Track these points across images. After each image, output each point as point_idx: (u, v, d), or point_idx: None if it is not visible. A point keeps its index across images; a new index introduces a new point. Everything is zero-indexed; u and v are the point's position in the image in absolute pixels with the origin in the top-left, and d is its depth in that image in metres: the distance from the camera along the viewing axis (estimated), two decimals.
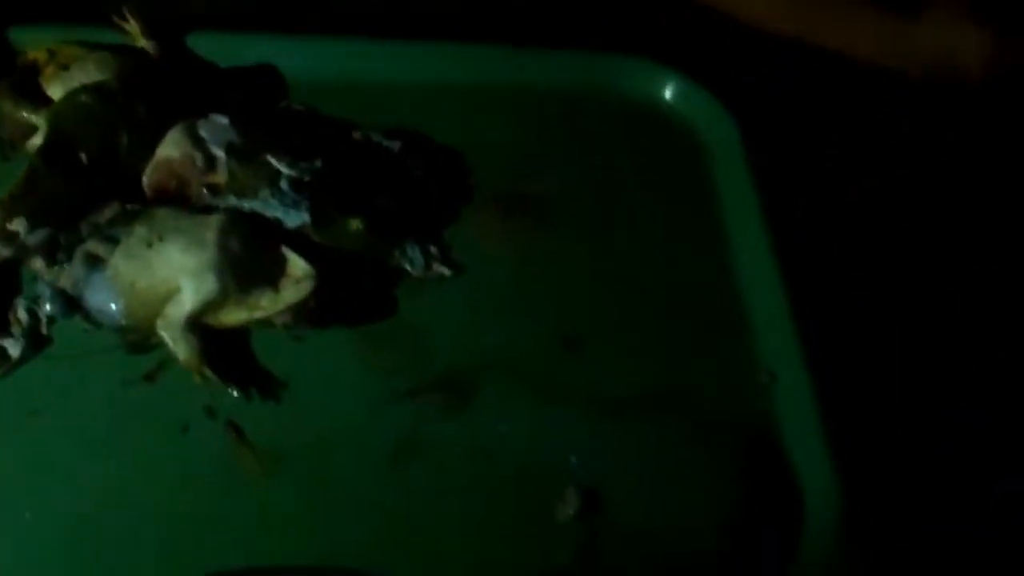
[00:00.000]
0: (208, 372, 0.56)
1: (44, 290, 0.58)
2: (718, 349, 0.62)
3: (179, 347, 0.56)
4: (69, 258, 0.58)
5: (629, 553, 0.54)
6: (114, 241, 0.57)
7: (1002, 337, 0.63)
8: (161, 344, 0.57)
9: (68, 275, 0.57)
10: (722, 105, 0.70)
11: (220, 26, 0.70)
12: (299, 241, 0.59)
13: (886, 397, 0.60)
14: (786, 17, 0.73)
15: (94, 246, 0.58)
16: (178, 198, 0.60)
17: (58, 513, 0.52)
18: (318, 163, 0.62)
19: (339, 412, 0.57)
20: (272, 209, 0.60)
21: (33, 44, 0.65)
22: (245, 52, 0.69)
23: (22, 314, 0.58)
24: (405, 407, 0.57)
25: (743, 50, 0.73)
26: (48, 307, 0.57)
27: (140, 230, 0.57)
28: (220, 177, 0.60)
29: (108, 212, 0.59)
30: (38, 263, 0.58)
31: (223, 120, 0.62)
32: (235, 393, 0.56)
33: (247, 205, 0.60)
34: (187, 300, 0.56)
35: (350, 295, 0.60)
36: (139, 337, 0.57)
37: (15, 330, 0.57)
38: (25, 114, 0.62)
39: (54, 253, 0.58)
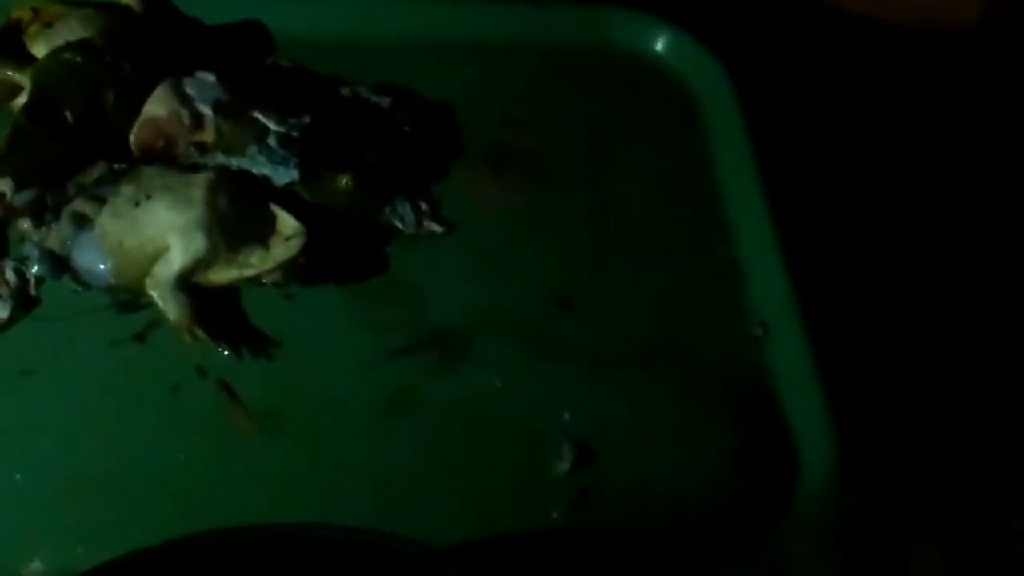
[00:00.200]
0: (198, 331, 0.56)
1: (32, 251, 0.57)
2: (711, 302, 0.61)
3: (169, 306, 0.56)
4: (56, 218, 0.57)
5: (624, 507, 0.54)
6: (101, 200, 0.57)
7: (1002, 307, 0.63)
8: (151, 304, 0.56)
9: (56, 235, 0.57)
10: (714, 55, 0.70)
11: None
12: (288, 198, 0.59)
13: (885, 367, 0.60)
14: None
15: (81, 206, 0.57)
16: (165, 156, 0.60)
17: (49, 475, 0.52)
18: (306, 119, 0.61)
19: (331, 370, 0.57)
20: (260, 166, 0.59)
21: (16, 2, 0.64)
22: (232, 8, 0.68)
23: (10, 275, 0.57)
24: (398, 364, 0.57)
25: (740, 10, 0.72)
26: (36, 268, 0.57)
27: (127, 189, 0.57)
28: (207, 135, 0.60)
29: (95, 171, 0.58)
30: (25, 224, 0.57)
31: (210, 77, 0.62)
32: (226, 352, 0.56)
33: (235, 163, 0.59)
34: (176, 259, 0.55)
35: (340, 252, 0.59)
36: (128, 297, 0.57)
37: (3, 291, 0.57)
38: (9, 73, 0.61)
39: (41, 213, 0.57)
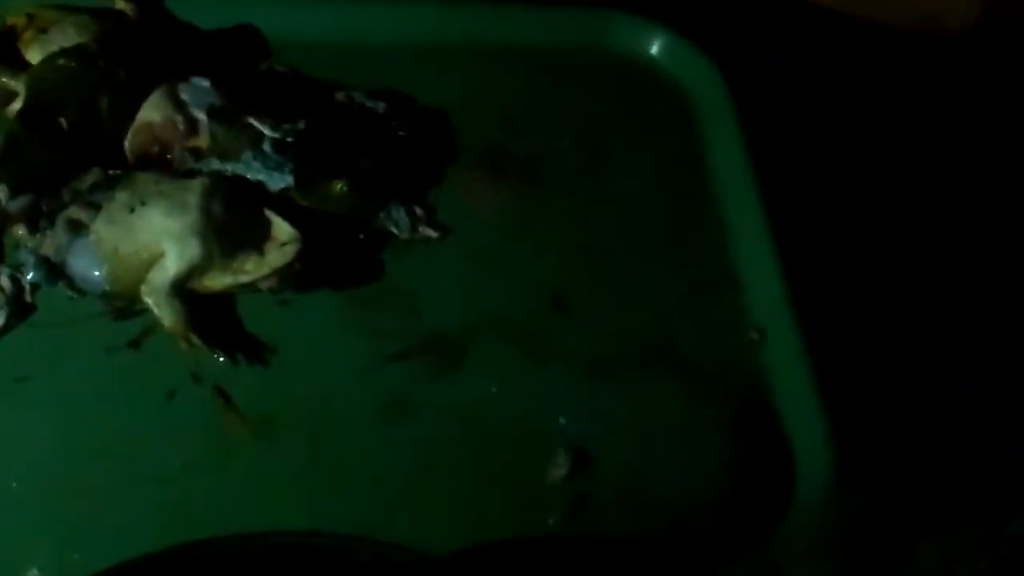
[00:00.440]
0: (193, 338, 0.56)
1: (27, 257, 0.57)
2: (707, 306, 0.61)
3: (164, 313, 0.55)
4: (51, 225, 0.57)
5: (621, 513, 0.54)
6: (96, 207, 0.57)
7: (1001, 307, 0.63)
8: (146, 310, 0.56)
9: (51, 242, 0.57)
10: (710, 59, 0.69)
11: None
12: (283, 204, 0.58)
13: (884, 368, 0.60)
14: None
15: (76, 212, 0.57)
16: (160, 162, 0.60)
17: (45, 481, 0.52)
18: (301, 125, 0.61)
19: (327, 376, 0.56)
20: (255, 172, 0.59)
21: (11, 9, 0.64)
22: (226, 13, 0.68)
23: (5, 282, 0.57)
24: (394, 370, 0.57)
25: (736, 13, 0.72)
26: (31, 274, 0.57)
27: (122, 195, 0.57)
28: (202, 140, 0.60)
29: (90, 177, 0.59)
30: (20, 230, 0.57)
31: (204, 83, 0.61)
32: (221, 358, 0.56)
33: (230, 168, 0.59)
34: (171, 265, 0.55)
35: (336, 258, 0.59)
36: (124, 303, 0.57)
37: None
38: (4, 79, 0.61)
39: (36, 220, 0.57)
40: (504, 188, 0.65)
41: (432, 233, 0.62)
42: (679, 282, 0.62)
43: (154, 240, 0.56)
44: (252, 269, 0.56)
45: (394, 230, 0.61)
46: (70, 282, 0.57)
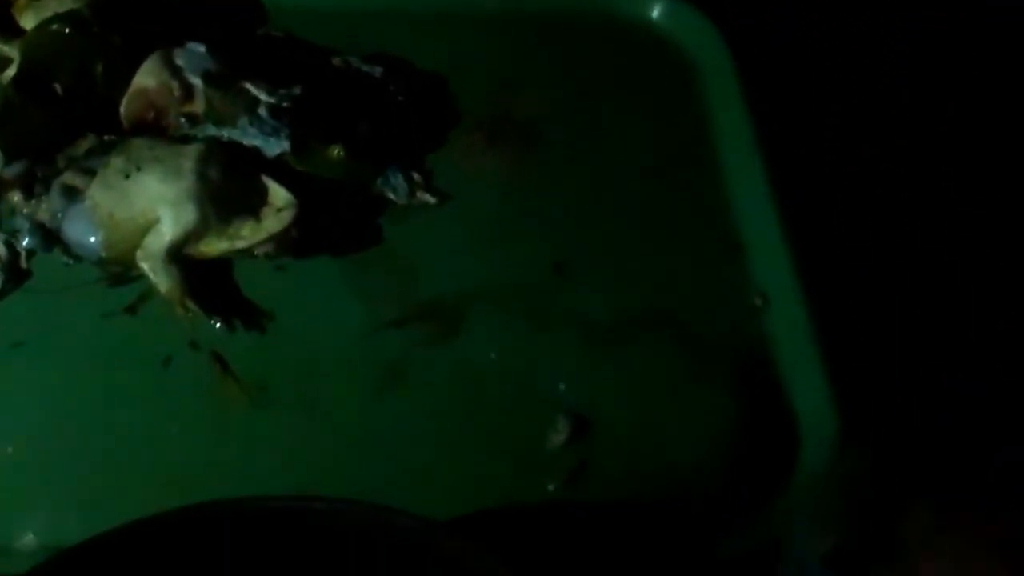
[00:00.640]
0: (190, 303, 0.55)
1: (22, 223, 0.57)
2: (709, 271, 0.61)
3: (160, 279, 0.55)
4: (46, 191, 0.57)
5: (621, 479, 0.54)
6: (91, 173, 0.57)
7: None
8: (142, 276, 0.56)
9: (46, 208, 0.57)
10: (712, 23, 0.69)
11: None
12: (279, 169, 0.58)
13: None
14: None
15: (71, 178, 0.57)
16: (155, 128, 0.59)
17: (41, 447, 0.52)
18: (297, 90, 0.61)
19: (325, 342, 0.56)
20: (251, 137, 0.59)
21: None
22: None
23: (1, 248, 0.57)
24: (391, 336, 0.57)
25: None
26: (27, 241, 0.57)
27: (117, 161, 0.56)
28: (198, 106, 0.59)
29: (85, 143, 0.58)
30: (15, 196, 0.57)
31: (200, 48, 0.61)
32: (218, 324, 0.56)
33: (226, 134, 0.59)
34: (166, 230, 0.55)
35: (333, 224, 0.59)
36: (119, 269, 0.57)
37: None
38: None
39: (31, 186, 0.57)
40: (503, 153, 0.64)
41: (430, 199, 0.61)
42: (681, 247, 0.62)
43: (149, 206, 0.55)
44: (248, 235, 0.56)
45: (392, 196, 0.61)
46: (65, 248, 0.57)
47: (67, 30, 0.60)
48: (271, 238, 0.56)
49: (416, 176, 0.62)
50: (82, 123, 0.59)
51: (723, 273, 0.61)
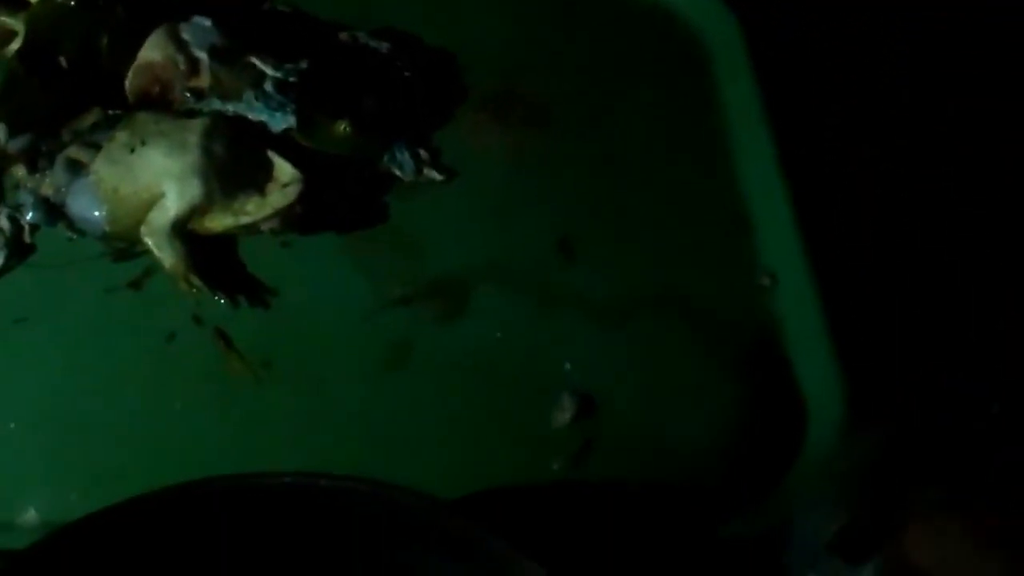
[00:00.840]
0: (194, 279, 0.55)
1: (26, 198, 0.57)
2: (717, 251, 0.60)
3: (164, 254, 0.55)
4: (51, 165, 0.57)
5: (626, 459, 0.54)
6: (96, 147, 0.57)
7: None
8: (146, 251, 0.56)
9: (50, 182, 0.57)
10: (723, 2, 0.68)
11: None
12: (285, 145, 0.58)
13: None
14: None
15: (76, 152, 0.57)
16: (161, 102, 0.59)
17: (43, 423, 0.52)
18: (304, 65, 0.60)
19: (330, 319, 0.56)
20: (257, 112, 0.58)
21: None
22: None
23: (4, 222, 0.57)
24: (397, 314, 0.57)
25: None
26: (31, 215, 0.57)
27: (122, 135, 0.56)
28: (203, 80, 0.59)
29: (90, 117, 0.58)
30: (19, 170, 0.57)
31: (206, 22, 0.61)
32: (222, 300, 0.55)
33: (231, 108, 0.58)
34: (171, 205, 0.55)
35: (338, 200, 0.59)
36: (124, 244, 0.57)
37: None
38: (3, 18, 0.61)
39: (35, 160, 0.57)
40: (510, 131, 0.64)
41: (437, 176, 0.61)
42: (689, 227, 0.61)
43: (154, 180, 0.55)
44: (253, 210, 0.56)
45: (398, 172, 0.60)
46: (69, 223, 0.56)
47: (72, 3, 0.59)
48: (276, 214, 0.56)
49: (423, 153, 0.61)
50: (87, 97, 0.59)
51: (731, 253, 0.60)
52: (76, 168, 0.56)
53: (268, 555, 0.44)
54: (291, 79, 0.59)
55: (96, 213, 0.55)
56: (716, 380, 0.56)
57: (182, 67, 0.59)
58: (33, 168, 0.57)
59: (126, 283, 0.56)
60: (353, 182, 0.60)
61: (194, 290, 0.55)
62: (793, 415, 0.55)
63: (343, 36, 0.64)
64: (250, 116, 0.58)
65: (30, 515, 0.50)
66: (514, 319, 0.57)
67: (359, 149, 0.59)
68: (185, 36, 0.60)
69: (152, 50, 0.59)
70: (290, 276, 0.57)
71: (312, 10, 0.66)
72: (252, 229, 0.56)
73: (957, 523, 0.49)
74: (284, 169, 0.56)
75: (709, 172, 0.63)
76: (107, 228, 0.56)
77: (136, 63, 0.59)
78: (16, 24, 0.60)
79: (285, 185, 0.56)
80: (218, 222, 0.56)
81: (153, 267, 0.56)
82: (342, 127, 0.58)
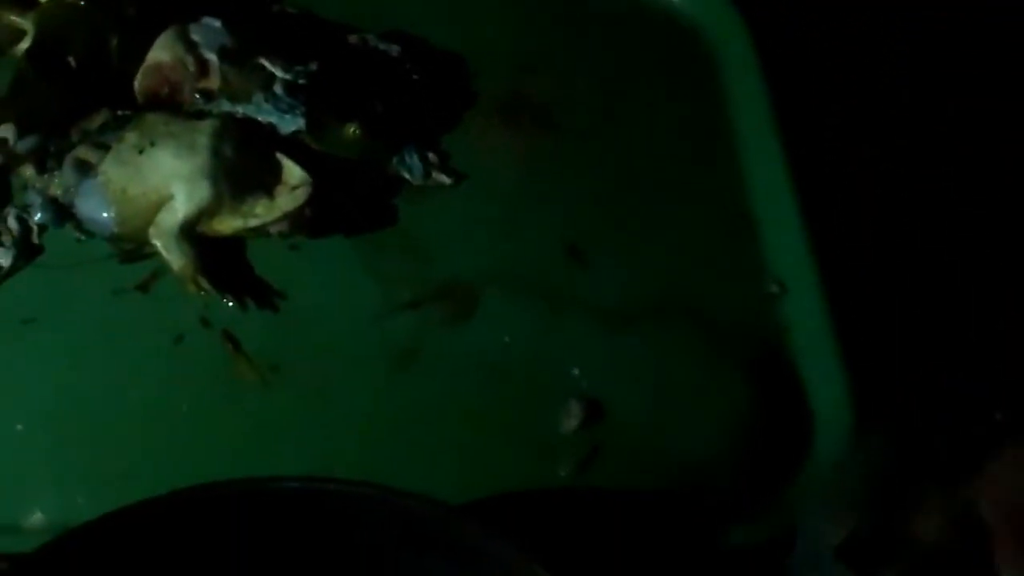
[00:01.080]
0: (202, 281, 0.55)
1: (35, 198, 0.57)
2: (726, 258, 0.60)
3: (172, 256, 0.55)
4: (59, 165, 0.57)
5: (634, 465, 0.53)
6: (105, 147, 0.56)
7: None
8: (154, 253, 0.56)
9: (59, 183, 0.57)
10: (732, 4, 0.68)
11: None
12: (294, 147, 0.58)
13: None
14: None
15: (84, 152, 0.57)
16: (170, 103, 0.59)
17: (50, 425, 0.52)
18: (314, 67, 0.60)
19: (338, 323, 0.56)
20: (266, 114, 0.58)
21: None
22: None
23: (13, 223, 0.57)
24: (405, 318, 0.56)
25: None
26: (39, 215, 0.57)
27: (131, 136, 0.56)
28: (213, 82, 0.59)
29: (98, 118, 0.58)
30: (28, 171, 0.57)
31: (216, 23, 0.61)
32: (230, 303, 0.55)
33: (241, 110, 0.58)
34: (180, 207, 0.55)
35: (347, 203, 0.59)
36: (132, 246, 0.57)
37: (5, 239, 0.56)
38: (12, 18, 0.60)
39: (44, 160, 0.57)
40: (519, 134, 0.64)
41: (446, 179, 0.61)
42: (697, 233, 0.61)
43: (163, 181, 0.55)
44: (262, 213, 0.56)
45: (407, 176, 0.60)
46: (78, 223, 0.56)
47: (82, 2, 0.59)
48: (285, 216, 0.56)
49: (432, 156, 0.61)
50: (96, 97, 0.58)
51: (739, 260, 0.60)
52: (85, 169, 0.56)
53: (276, 560, 0.44)
54: (301, 81, 0.59)
55: (104, 214, 0.55)
56: (724, 387, 0.56)
57: (191, 68, 0.59)
58: (42, 169, 0.57)
59: (134, 285, 0.56)
60: (362, 185, 0.59)
61: (202, 292, 0.55)
62: (800, 422, 0.55)
63: (353, 39, 0.64)
64: (259, 118, 0.58)
65: (36, 517, 0.49)
66: (522, 324, 0.57)
67: (368, 152, 0.59)
68: (195, 37, 0.60)
69: (161, 51, 0.59)
70: (298, 279, 0.57)
71: (322, 12, 0.66)
72: (261, 231, 0.56)
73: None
74: (293, 172, 0.56)
75: (717, 178, 0.63)
76: (115, 229, 0.56)
77: (145, 64, 0.59)
78: (25, 24, 0.60)
79: (294, 188, 0.56)
80: (227, 224, 0.56)
81: (161, 269, 0.56)
82: (351, 130, 0.58)
